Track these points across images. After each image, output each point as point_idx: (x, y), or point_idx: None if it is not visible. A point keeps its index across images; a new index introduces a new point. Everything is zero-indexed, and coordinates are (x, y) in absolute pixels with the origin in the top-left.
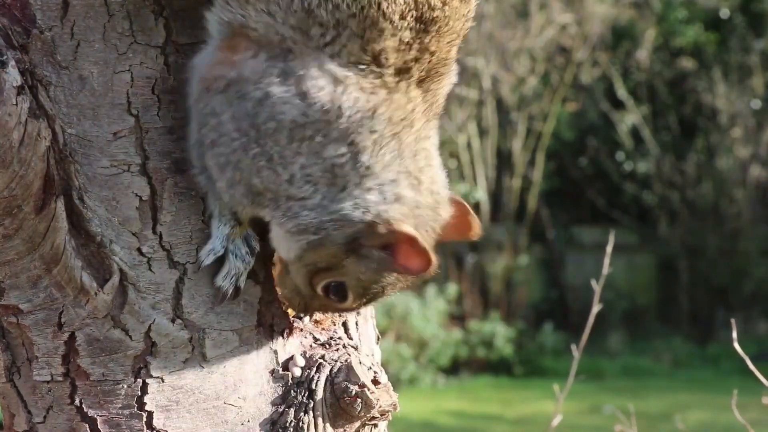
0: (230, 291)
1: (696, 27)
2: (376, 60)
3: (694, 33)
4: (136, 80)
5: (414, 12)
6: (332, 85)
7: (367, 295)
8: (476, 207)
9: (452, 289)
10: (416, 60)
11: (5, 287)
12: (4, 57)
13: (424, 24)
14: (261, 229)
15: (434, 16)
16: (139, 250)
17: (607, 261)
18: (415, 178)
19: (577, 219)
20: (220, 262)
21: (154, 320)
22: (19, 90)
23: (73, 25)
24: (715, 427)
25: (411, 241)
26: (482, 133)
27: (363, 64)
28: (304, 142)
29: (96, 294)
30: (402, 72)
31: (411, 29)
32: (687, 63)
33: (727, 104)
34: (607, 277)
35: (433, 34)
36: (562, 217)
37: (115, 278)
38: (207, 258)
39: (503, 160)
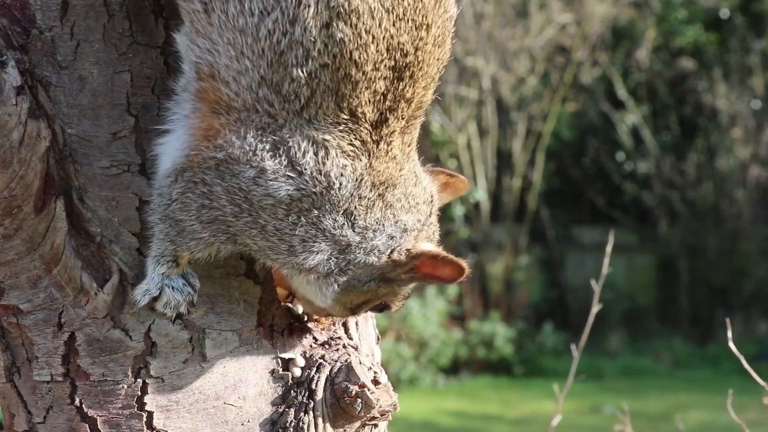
0: (173, 318)
1: (696, 27)
2: (353, 116)
3: (694, 33)
4: (136, 80)
5: (387, 61)
6: (318, 154)
7: (404, 299)
8: (476, 207)
9: (452, 289)
10: (391, 110)
11: (5, 287)
12: (4, 57)
13: (397, 72)
14: None
15: (407, 62)
16: (139, 250)
17: (607, 261)
18: (410, 206)
19: (577, 219)
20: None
21: (154, 320)
22: (19, 90)
23: (73, 26)
24: (715, 427)
25: (434, 257)
26: (482, 133)
27: (341, 124)
28: (302, 215)
29: (96, 294)
30: (379, 125)
31: (385, 78)
32: (687, 63)
33: (727, 104)
34: (607, 277)
35: (407, 81)
36: (562, 217)
37: (115, 278)
38: (142, 299)
39: (503, 160)
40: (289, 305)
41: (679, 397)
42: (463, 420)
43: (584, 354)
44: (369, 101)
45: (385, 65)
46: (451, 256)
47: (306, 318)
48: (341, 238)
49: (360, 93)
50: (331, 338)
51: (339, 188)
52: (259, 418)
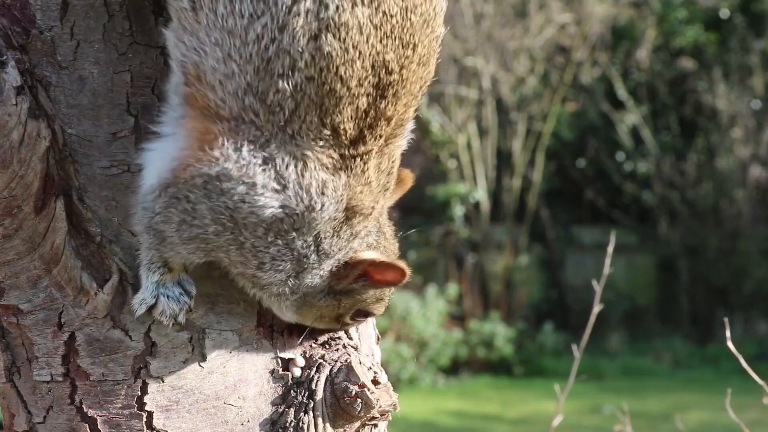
0: (171, 325)
1: (696, 27)
2: (335, 133)
3: (694, 33)
4: (136, 80)
5: (371, 78)
6: (298, 168)
7: (384, 298)
8: (476, 207)
9: (452, 289)
10: (371, 127)
11: (5, 287)
12: (4, 57)
13: (380, 90)
14: None
15: (391, 80)
16: (138, 250)
17: (608, 261)
18: (365, 236)
19: (577, 219)
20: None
21: (154, 321)
22: (19, 90)
23: (72, 26)
24: (715, 428)
25: (373, 263)
26: (482, 133)
27: (322, 140)
28: (279, 236)
29: (96, 294)
30: (357, 142)
31: (368, 95)
32: (687, 63)
33: (727, 104)
34: (608, 277)
35: (390, 99)
36: (562, 217)
37: (115, 278)
38: (139, 308)
39: (503, 160)
40: None
41: (679, 397)
42: (463, 420)
43: (584, 354)
44: (351, 117)
45: (369, 82)
46: (390, 261)
47: None
48: (303, 259)
49: (343, 109)
50: (331, 338)
51: (320, 209)
52: (259, 418)
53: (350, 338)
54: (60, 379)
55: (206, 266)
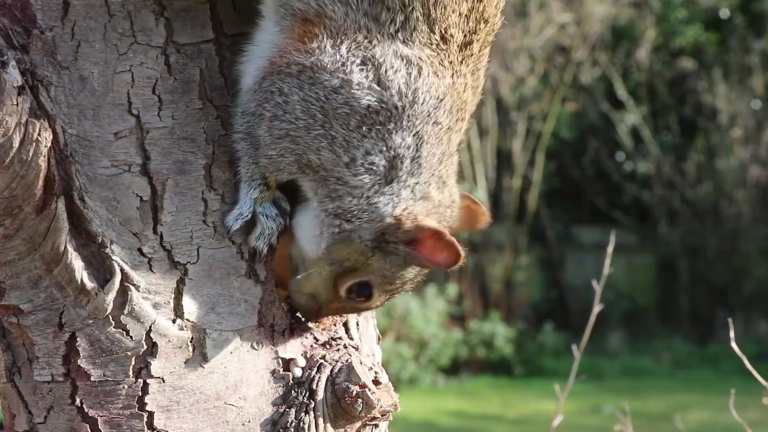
0: (265, 250)
1: (696, 27)
2: (444, 39)
3: (694, 33)
4: (137, 80)
5: None
6: (409, 70)
7: (389, 293)
8: None
9: (452, 289)
10: (474, 32)
11: (6, 287)
12: (5, 57)
13: None
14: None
15: None
16: (139, 250)
17: (608, 261)
18: (443, 182)
19: (577, 219)
20: (250, 225)
21: (155, 321)
22: (20, 90)
23: (73, 26)
24: (715, 428)
25: (437, 235)
26: (482, 133)
27: (433, 44)
28: (375, 127)
29: (96, 294)
30: (464, 47)
31: (467, 0)
32: (687, 63)
33: (727, 104)
34: (607, 277)
35: (486, 0)
36: (562, 217)
37: (116, 278)
38: (235, 223)
39: (503, 160)
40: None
41: (679, 397)
42: (463, 420)
43: (584, 354)
44: (456, 24)
45: None
46: (452, 239)
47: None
48: (397, 163)
49: (449, 16)
50: (332, 338)
51: (422, 103)
52: (259, 418)
53: (351, 338)
54: (61, 379)
55: (208, 266)
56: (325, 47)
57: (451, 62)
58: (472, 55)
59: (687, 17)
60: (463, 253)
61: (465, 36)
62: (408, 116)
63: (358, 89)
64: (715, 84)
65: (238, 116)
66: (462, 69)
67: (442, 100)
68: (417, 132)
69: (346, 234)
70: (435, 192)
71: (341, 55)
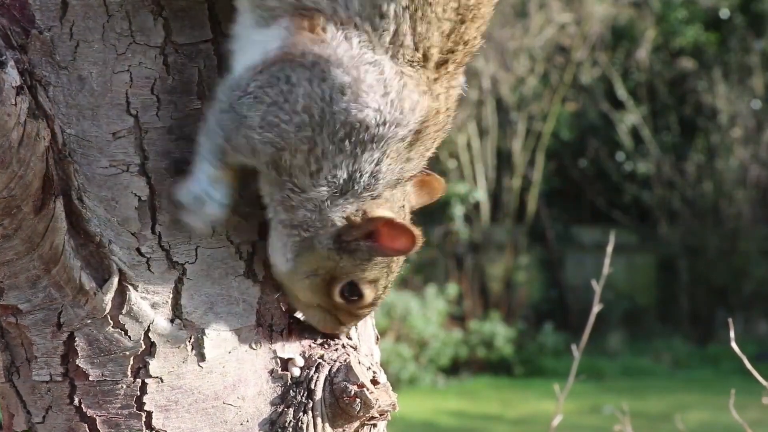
0: (204, 226)
1: (696, 27)
2: (425, 57)
3: (694, 33)
4: (135, 80)
5: (452, 2)
6: (401, 85)
7: (379, 283)
8: (476, 207)
9: (452, 289)
10: (452, 51)
11: (4, 287)
12: (3, 57)
13: (461, 14)
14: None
15: (470, 4)
16: (138, 250)
17: (607, 261)
18: (397, 183)
19: (577, 219)
20: (197, 202)
21: (153, 320)
22: (18, 90)
23: (72, 26)
24: (715, 428)
25: (389, 222)
26: (482, 133)
27: (415, 62)
28: (354, 144)
29: (95, 294)
30: (440, 66)
31: (449, 20)
32: (687, 63)
33: (727, 104)
34: (607, 277)
35: (468, 22)
36: (562, 217)
37: (114, 278)
38: (186, 197)
39: (503, 160)
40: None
41: (679, 397)
42: (463, 420)
43: (584, 354)
44: (437, 43)
45: (452, 7)
46: (404, 223)
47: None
48: (356, 177)
49: (432, 35)
50: (330, 338)
51: (405, 125)
52: (258, 418)
53: (349, 338)
54: (59, 379)
55: (207, 266)
56: (339, 38)
57: (427, 80)
58: (447, 73)
59: (687, 17)
60: (417, 233)
61: (442, 55)
62: (387, 139)
63: (366, 92)
64: (715, 84)
65: (226, 90)
66: (436, 88)
67: (420, 122)
68: (385, 150)
69: (308, 242)
70: (387, 191)
71: (353, 51)
